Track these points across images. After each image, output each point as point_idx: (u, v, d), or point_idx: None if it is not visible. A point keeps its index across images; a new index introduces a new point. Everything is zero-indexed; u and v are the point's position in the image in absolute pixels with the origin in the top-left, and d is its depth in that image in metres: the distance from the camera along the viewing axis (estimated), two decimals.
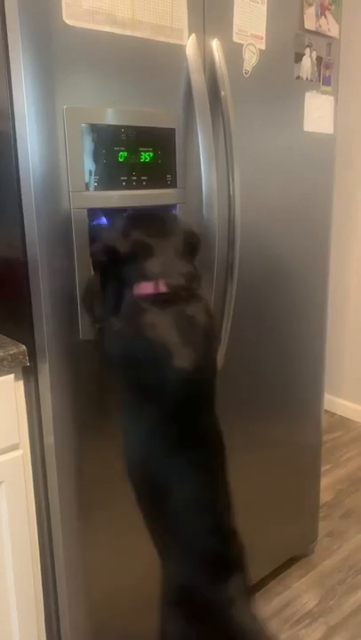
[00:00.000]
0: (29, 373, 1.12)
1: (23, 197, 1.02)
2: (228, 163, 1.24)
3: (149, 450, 1.02)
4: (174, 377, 0.97)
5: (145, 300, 0.99)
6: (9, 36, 0.95)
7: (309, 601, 1.67)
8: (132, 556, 1.29)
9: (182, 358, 0.96)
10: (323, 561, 1.84)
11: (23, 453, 1.15)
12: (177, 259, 1.03)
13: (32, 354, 1.10)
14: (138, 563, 1.30)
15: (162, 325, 0.97)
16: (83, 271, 1.06)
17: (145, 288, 1.00)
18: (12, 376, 1.09)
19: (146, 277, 1.00)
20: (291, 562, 1.81)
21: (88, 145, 1.02)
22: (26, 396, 1.13)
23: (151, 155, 1.11)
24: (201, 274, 1.07)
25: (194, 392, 1.01)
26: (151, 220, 1.07)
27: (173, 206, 1.18)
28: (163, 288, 0.99)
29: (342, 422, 2.85)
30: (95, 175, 1.04)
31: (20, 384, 1.12)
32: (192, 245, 1.08)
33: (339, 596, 1.69)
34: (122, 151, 1.06)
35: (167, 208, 1.18)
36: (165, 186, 1.15)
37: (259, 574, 1.68)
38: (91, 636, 1.26)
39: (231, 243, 1.29)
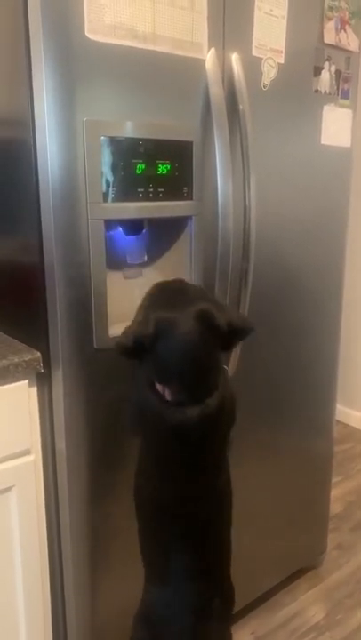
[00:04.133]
0: (43, 380, 1.13)
1: (42, 205, 1.04)
2: (244, 175, 1.25)
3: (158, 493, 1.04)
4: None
5: (160, 400, 0.98)
6: (32, 49, 0.97)
7: (316, 614, 1.66)
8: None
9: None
10: (331, 574, 1.83)
11: (35, 458, 1.16)
12: (201, 349, 0.95)
13: (46, 360, 1.11)
14: None
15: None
16: (98, 281, 1.07)
17: (162, 389, 0.99)
18: (26, 382, 1.11)
19: (163, 378, 0.98)
20: (299, 573, 1.80)
21: (107, 157, 1.04)
22: (39, 402, 1.15)
23: (168, 167, 1.12)
24: (225, 369, 1.05)
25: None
26: (177, 301, 0.99)
27: (189, 217, 1.19)
28: (177, 397, 0.97)
29: (354, 434, 2.83)
30: (113, 187, 1.05)
31: (34, 390, 1.14)
32: (223, 335, 0.97)
33: (346, 609, 1.68)
34: (140, 163, 1.08)
35: (182, 221, 1.19)
36: (182, 198, 1.16)
37: (266, 585, 1.68)
38: (97, 636, 1.28)
39: (246, 254, 1.30)
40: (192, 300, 0.98)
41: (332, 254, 1.59)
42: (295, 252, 1.47)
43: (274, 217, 1.39)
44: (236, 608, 1.58)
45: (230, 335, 0.97)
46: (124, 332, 0.96)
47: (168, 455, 1.01)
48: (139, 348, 0.94)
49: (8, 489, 1.13)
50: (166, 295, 1.01)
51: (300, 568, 1.80)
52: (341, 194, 1.57)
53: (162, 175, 1.12)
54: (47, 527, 1.22)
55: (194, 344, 0.94)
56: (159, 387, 0.99)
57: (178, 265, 1.24)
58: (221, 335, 0.96)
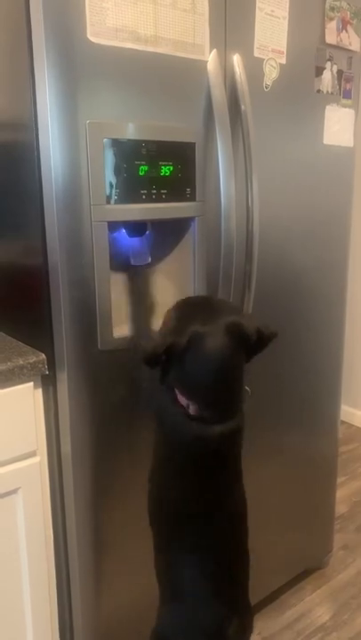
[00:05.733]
0: (48, 382, 1.14)
1: (45, 208, 1.04)
2: (247, 175, 1.25)
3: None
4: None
5: (183, 413, 0.98)
6: (34, 51, 0.98)
7: (323, 615, 1.66)
8: (147, 562, 1.30)
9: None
10: (337, 574, 1.83)
11: (40, 460, 1.16)
12: (231, 368, 0.96)
13: (51, 362, 1.12)
14: (152, 570, 1.31)
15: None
16: (102, 282, 1.08)
17: (185, 402, 0.99)
18: (31, 384, 1.11)
19: (189, 393, 0.98)
20: (305, 574, 1.80)
21: (109, 159, 1.04)
22: (44, 404, 1.15)
23: (171, 169, 1.13)
24: (247, 391, 1.06)
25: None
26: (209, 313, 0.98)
27: (192, 219, 1.19)
28: (200, 413, 0.97)
29: (359, 434, 2.83)
30: (116, 189, 1.06)
31: (39, 392, 1.14)
32: (252, 346, 0.97)
33: (353, 610, 1.68)
34: (142, 165, 1.08)
35: (186, 222, 1.19)
36: (185, 199, 1.16)
37: (272, 586, 1.67)
38: (103, 638, 1.28)
39: (249, 255, 1.30)
40: (221, 312, 0.98)
41: (335, 254, 1.59)
42: (298, 253, 1.47)
43: (277, 217, 1.39)
44: None
45: (256, 343, 0.97)
46: (153, 341, 0.95)
47: (185, 467, 1.01)
48: (167, 358, 0.93)
49: (14, 491, 1.13)
50: (196, 309, 1.01)
51: (306, 569, 1.80)
52: (344, 194, 1.57)
53: (164, 177, 1.12)
54: (53, 528, 1.22)
55: (225, 362, 0.94)
56: (181, 399, 0.99)
57: (182, 266, 1.25)
58: (249, 345, 0.96)
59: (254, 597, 1.60)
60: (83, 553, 1.20)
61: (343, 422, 2.89)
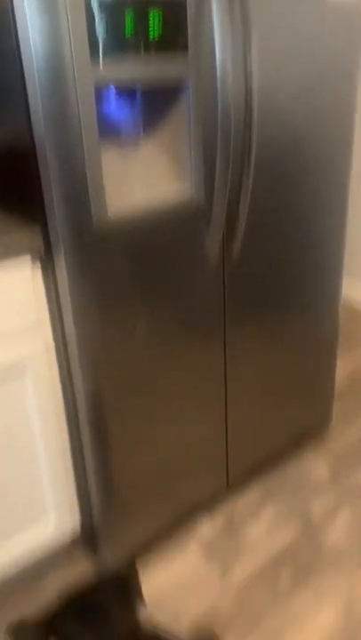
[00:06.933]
0: (47, 265, 1.13)
1: (26, 75, 0.97)
2: (244, 33, 1.15)
3: None
4: None
5: None
6: None
7: (322, 474, 1.77)
8: (159, 435, 1.37)
9: None
10: (336, 441, 1.93)
11: (46, 343, 1.19)
12: None
13: (47, 245, 1.10)
14: (163, 441, 1.38)
15: None
16: (92, 153, 1.03)
17: None
18: (28, 257, 1.10)
19: None
20: (305, 441, 1.90)
21: (92, 12, 0.95)
22: (45, 286, 1.15)
23: (160, 17, 1.02)
24: None
25: None
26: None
27: (186, 85, 1.12)
28: None
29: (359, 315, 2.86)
30: (101, 45, 0.97)
31: (38, 274, 1.13)
32: None
33: (351, 471, 1.79)
34: (129, 17, 0.98)
35: (179, 89, 1.12)
36: (177, 60, 1.08)
37: (273, 448, 1.77)
38: (121, 517, 1.38)
39: (248, 125, 1.23)
40: None
41: (340, 121, 1.50)
42: (300, 120, 1.39)
43: (277, 80, 1.29)
44: (246, 469, 1.69)
45: None
46: None
47: None
48: None
49: (21, 371, 1.16)
50: None
51: (306, 434, 1.89)
52: (351, 52, 1.45)
53: (153, 30, 1.02)
54: (65, 409, 1.28)
55: None
56: None
57: (177, 137, 1.19)
58: None
59: (256, 458, 1.71)
60: (94, 436, 1.26)
61: (344, 300, 2.91)
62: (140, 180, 1.18)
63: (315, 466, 1.81)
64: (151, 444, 1.37)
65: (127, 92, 1.11)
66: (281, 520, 1.61)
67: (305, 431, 1.87)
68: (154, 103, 1.16)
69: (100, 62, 0.98)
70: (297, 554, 1.50)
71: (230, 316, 1.42)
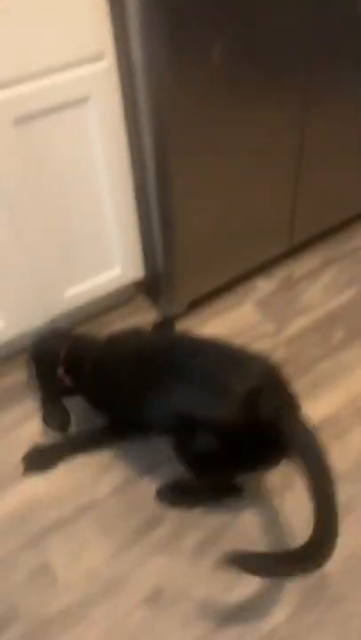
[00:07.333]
0: None
1: None
2: None
3: None
4: None
5: None
6: None
7: None
8: (225, 193, 1.31)
9: None
10: None
11: (109, 66, 1.07)
12: None
13: None
14: (229, 200, 1.33)
15: None
16: None
17: None
18: None
19: None
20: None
21: None
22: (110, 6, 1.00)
23: None
24: None
25: None
26: None
27: None
28: None
29: None
30: None
31: None
32: None
33: None
34: None
35: None
36: None
37: (341, 218, 1.71)
38: (182, 270, 1.40)
39: None
40: None
41: None
42: None
43: None
44: (310, 237, 1.67)
45: None
46: None
47: None
48: None
49: (83, 98, 1.08)
50: None
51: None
52: None
53: None
54: (127, 139, 1.21)
55: None
56: None
57: None
58: None
59: (322, 225, 1.67)
60: (159, 174, 1.21)
61: None
62: None
63: None
64: (217, 202, 1.33)
65: None
66: (338, 285, 1.62)
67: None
68: None
69: None
70: (351, 315, 1.53)
71: (316, 48, 1.23)
